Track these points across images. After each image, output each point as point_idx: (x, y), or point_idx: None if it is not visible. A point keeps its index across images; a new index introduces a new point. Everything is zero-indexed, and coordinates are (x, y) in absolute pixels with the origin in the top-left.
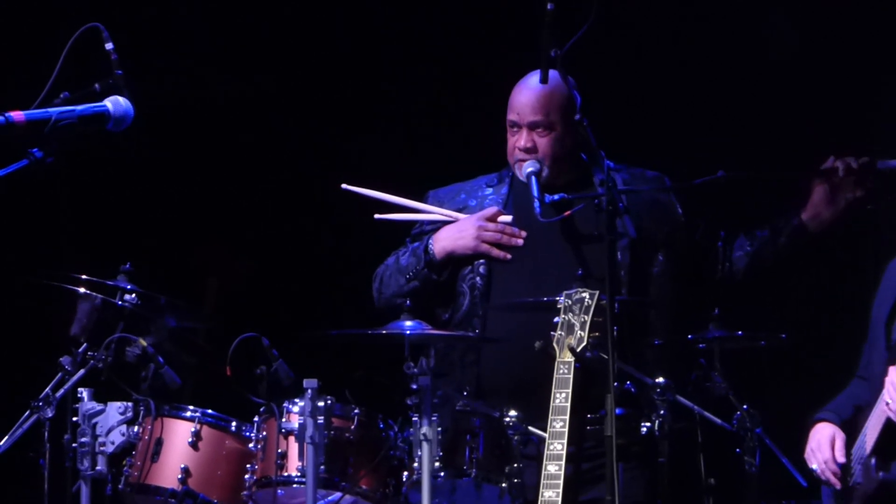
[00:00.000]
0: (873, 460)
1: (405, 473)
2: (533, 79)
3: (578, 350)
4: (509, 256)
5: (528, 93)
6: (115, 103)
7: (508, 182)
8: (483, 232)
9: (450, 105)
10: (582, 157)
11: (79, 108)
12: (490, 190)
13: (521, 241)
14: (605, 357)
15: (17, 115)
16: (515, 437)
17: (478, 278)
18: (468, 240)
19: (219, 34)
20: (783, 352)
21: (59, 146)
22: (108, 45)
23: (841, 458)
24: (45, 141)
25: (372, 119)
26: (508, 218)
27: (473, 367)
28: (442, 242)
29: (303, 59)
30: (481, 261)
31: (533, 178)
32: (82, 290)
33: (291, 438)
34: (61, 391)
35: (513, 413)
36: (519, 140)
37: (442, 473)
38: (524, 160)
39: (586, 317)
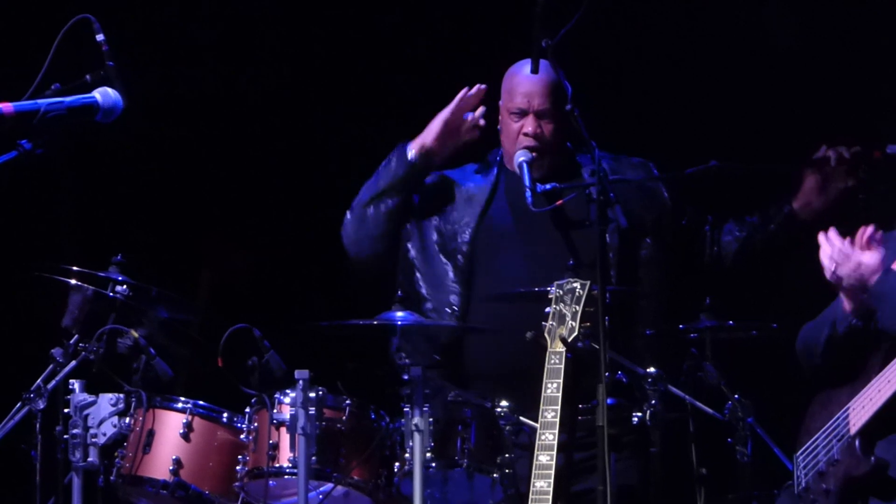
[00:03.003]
0: (858, 441)
1: (397, 464)
2: (531, 66)
3: (570, 340)
4: (483, 122)
5: (534, 80)
6: (105, 94)
7: (497, 168)
8: (445, 113)
9: (447, 99)
10: (567, 145)
11: (68, 99)
12: (479, 176)
13: (482, 90)
14: (597, 347)
15: (6, 106)
16: (507, 428)
17: (463, 246)
18: (436, 122)
19: (215, 25)
20: (775, 341)
21: (49, 138)
22: (99, 37)
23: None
24: (34, 132)
25: (367, 111)
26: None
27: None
28: (414, 143)
29: (298, 52)
30: (466, 229)
31: (525, 167)
32: (74, 281)
33: (283, 429)
34: (53, 383)
35: (504, 403)
36: (527, 126)
37: (434, 464)
38: (531, 146)
39: (577, 307)
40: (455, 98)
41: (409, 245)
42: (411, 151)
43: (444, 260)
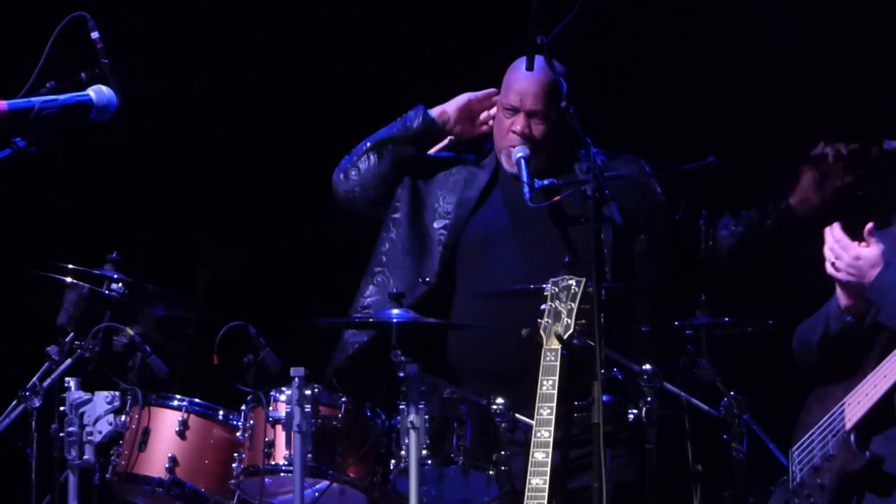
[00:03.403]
0: (853, 436)
1: (393, 461)
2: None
3: (565, 337)
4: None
5: (530, 80)
6: (99, 92)
7: (494, 162)
8: (472, 94)
9: (446, 98)
10: (564, 142)
11: (62, 97)
12: (476, 166)
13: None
14: (592, 344)
15: (0, 104)
16: (503, 425)
17: (445, 227)
18: (462, 97)
19: (209, 22)
20: (770, 338)
21: (43, 136)
22: (94, 35)
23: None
24: (29, 130)
25: (364, 110)
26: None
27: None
28: (436, 108)
29: (295, 49)
30: (458, 211)
31: (523, 163)
32: (69, 279)
33: (279, 427)
34: (48, 381)
35: (500, 400)
36: (515, 124)
37: (429, 461)
38: (516, 145)
39: (573, 304)
40: (487, 90)
41: (399, 205)
42: (432, 112)
43: (432, 230)
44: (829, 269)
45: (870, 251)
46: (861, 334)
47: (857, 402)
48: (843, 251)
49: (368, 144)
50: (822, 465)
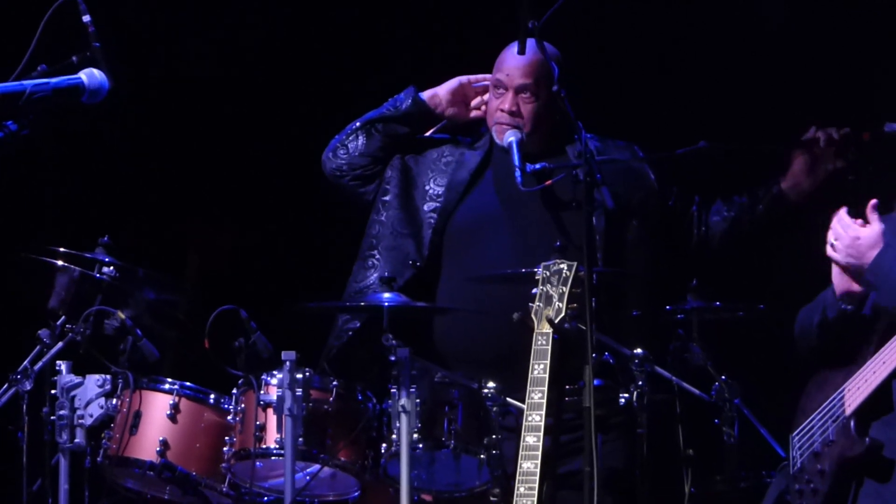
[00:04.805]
0: (853, 422)
1: (384, 445)
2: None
3: (557, 321)
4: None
5: (518, 57)
6: (90, 76)
7: (487, 145)
8: (465, 77)
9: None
10: (558, 126)
11: (53, 80)
12: (470, 149)
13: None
14: (584, 328)
15: None
16: (494, 409)
17: (435, 210)
18: (454, 80)
19: (198, 5)
20: (761, 322)
21: (34, 118)
22: (86, 18)
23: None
24: (20, 113)
25: (355, 95)
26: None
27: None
28: (428, 90)
29: (285, 34)
30: (448, 193)
31: (514, 147)
32: (60, 262)
33: (270, 411)
34: (39, 364)
35: (491, 384)
36: (503, 102)
37: (420, 445)
38: (504, 123)
39: (564, 288)
40: (481, 74)
41: (389, 187)
42: (424, 94)
43: (422, 213)
44: (829, 250)
45: (869, 231)
46: (859, 321)
47: (857, 388)
48: (842, 231)
49: (358, 124)
50: (822, 451)
